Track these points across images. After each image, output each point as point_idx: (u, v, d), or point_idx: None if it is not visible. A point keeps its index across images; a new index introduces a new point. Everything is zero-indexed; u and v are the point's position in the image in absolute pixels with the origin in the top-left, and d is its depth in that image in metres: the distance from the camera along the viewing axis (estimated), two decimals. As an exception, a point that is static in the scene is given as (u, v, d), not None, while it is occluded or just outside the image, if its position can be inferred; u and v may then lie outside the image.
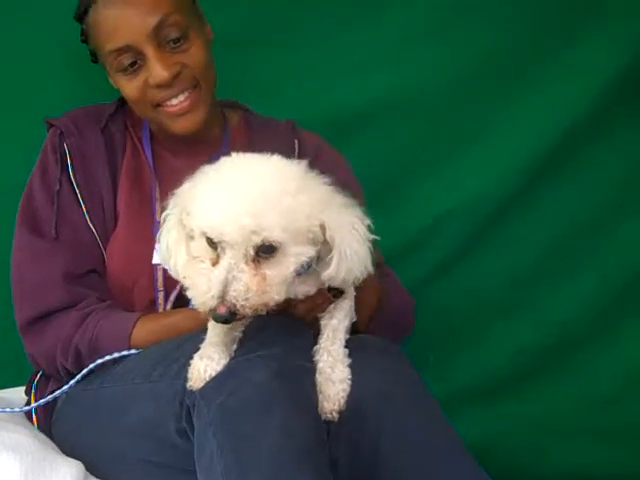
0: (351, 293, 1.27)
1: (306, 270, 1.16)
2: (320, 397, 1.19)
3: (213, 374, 1.16)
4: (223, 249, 1.09)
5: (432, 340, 1.93)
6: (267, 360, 1.15)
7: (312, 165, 1.55)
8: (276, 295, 1.11)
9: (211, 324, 1.20)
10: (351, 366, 1.23)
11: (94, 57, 1.50)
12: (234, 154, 1.19)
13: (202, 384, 1.16)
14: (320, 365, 1.22)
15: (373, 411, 1.20)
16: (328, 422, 1.20)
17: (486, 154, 1.89)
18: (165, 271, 1.45)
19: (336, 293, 1.24)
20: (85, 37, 1.48)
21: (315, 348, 1.24)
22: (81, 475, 1.30)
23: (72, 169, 1.48)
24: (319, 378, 1.21)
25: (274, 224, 1.07)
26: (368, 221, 1.18)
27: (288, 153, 1.54)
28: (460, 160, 1.90)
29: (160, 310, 1.47)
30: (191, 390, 1.17)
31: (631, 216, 1.93)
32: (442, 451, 1.20)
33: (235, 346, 1.20)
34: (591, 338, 1.96)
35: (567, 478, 1.92)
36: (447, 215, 1.90)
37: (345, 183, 1.55)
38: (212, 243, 1.10)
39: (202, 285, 1.09)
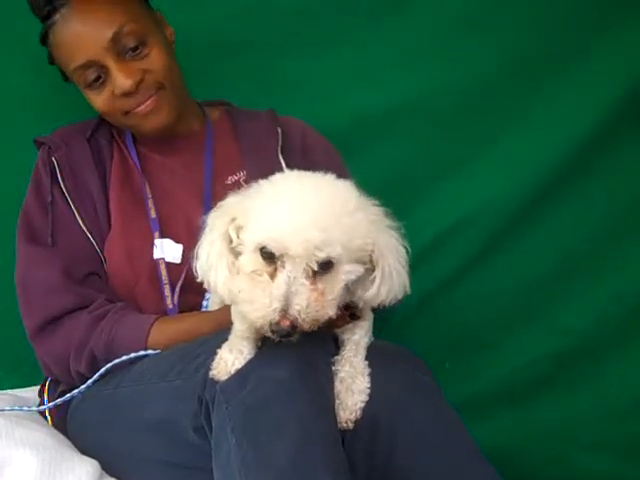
0: (370, 313, 1.28)
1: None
2: (338, 405, 1.19)
3: (239, 368, 1.16)
4: (283, 263, 1.10)
5: (448, 347, 1.93)
6: (290, 358, 1.15)
7: (299, 149, 1.60)
8: (330, 311, 1.12)
9: (239, 319, 1.20)
10: (370, 376, 1.23)
11: (64, 76, 1.54)
12: (287, 171, 1.21)
13: (226, 377, 1.16)
14: (341, 375, 1.22)
15: (388, 418, 1.20)
16: (343, 430, 1.20)
17: (501, 163, 1.89)
18: (168, 264, 1.49)
19: (352, 314, 1.25)
20: (52, 59, 1.52)
21: (336, 358, 1.24)
22: (97, 473, 1.31)
23: (62, 180, 1.51)
24: (339, 387, 1.21)
25: (336, 240, 1.08)
26: (406, 244, 1.20)
27: (272, 141, 1.59)
28: (475, 168, 1.89)
29: (168, 302, 1.48)
30: (211, 384, 1.17)
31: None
32: (458, 458, 1.20)
33: (260, 343, 1.20)
34: (606, 348, 1.95)
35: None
36: (462, 222, 1.90)
37: (334, 165, 1.58)
38: (268, 257, 1.11)
39: (263, 298, 1.09)
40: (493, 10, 1.83)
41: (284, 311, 1.07)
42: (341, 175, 1.24)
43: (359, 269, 1.14)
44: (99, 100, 1.49)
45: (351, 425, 1.19)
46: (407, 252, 1.19)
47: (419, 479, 1.19)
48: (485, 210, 1.90)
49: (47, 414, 1.52)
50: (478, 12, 1.84)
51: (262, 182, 1.19)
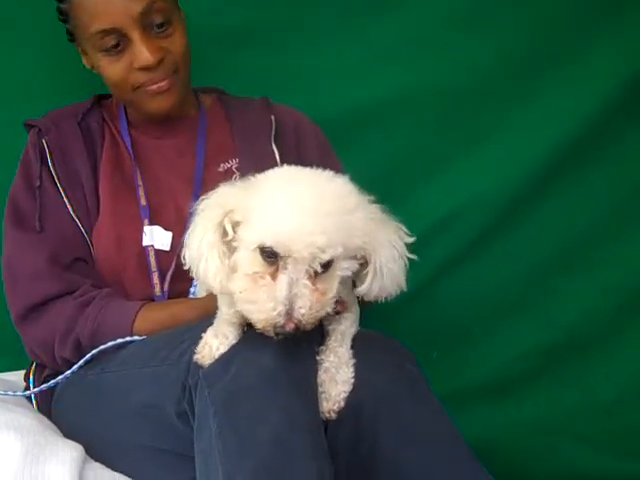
0: (356, 306, 1.28)
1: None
2: (321, 395, 1.20)
3: (223, 353, 1.16)
4: (285, 264, 1.09)
5: (437, 338, 1.94)
6: (274, 346, 1.14)
7: (292, 138, 1.60)
8: (329, 309, 1.13)
9: (226, 303, 1.20)
10: (355, 365, 1.23)
11: (71, 37, 1.52)
12: (285, 167, 1.19)
13: (210, 361, 1.16)
14: (326, 365, 1.22)
15: (371, 407, 1.20)
16: (326, 420, 1.20)
17: (496, 155, 1.89)
18: (157, 252, 1.49)
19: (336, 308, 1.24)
20: (65, 16, 1.49)
21: (321, 348, 1.24)
22: (81, 458, 1.30)
23: (52, 163, 1.50)
24: (323, 376, 1.21)
25: (338, 241, 1.09)
26: (410, 238, 1.19)
27: (265, 129, 1.59)
28: (467, 162, 1.89)
29: (157, 290, 1.48)
30: (195, 369, 1.17)
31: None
32: (441, 446, 1.20)
33: (245, 327, 1.20)
34: (593, 342, 1.95)
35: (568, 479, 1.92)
36: (455, 214, 1.90)
37: (326, 154, 1.60)
38: (268, 257, 1.10)
39: (266, 301, 1.08)
40: (489, 5, 1.83)
41: (289, 314, 1.07)
42: (333, 166, 1.23)
43: (354, 265, 1.15)
44: (113, 68, 1.46)
45: (334, 415, 1.19)
46: (408, 247, 1.19)
47: (402, 469, 1.19)
48: (475, 204, 1.90)
49: (32, 398, 1.52)
50: (474, 7, 1.84)
51: (259, 177, 1.18)
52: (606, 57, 1.83)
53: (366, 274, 1.17)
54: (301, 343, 1.18)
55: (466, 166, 1.89)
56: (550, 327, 1.95)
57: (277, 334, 1.09)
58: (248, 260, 1.12)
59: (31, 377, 1.54)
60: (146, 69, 1.45)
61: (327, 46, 1.83)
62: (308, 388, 1.17)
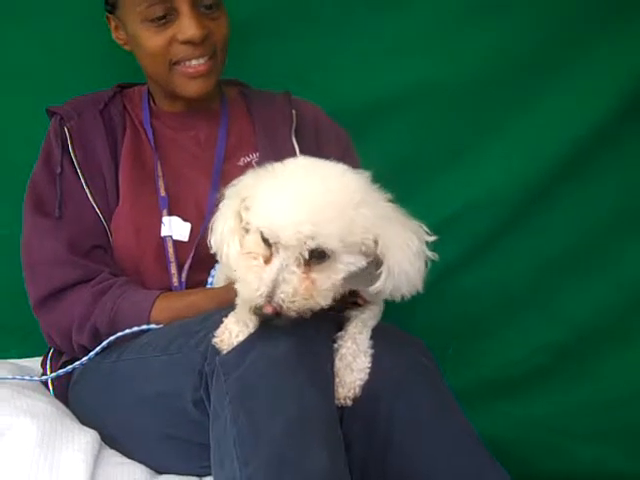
0: (382, 300, 1.29)
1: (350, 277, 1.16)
2: (336, 382, 1.20)
3: (241, 340, 1.17)
4: (277, 249, 1.11)
5: (448, 334, 1.94)
6: (288, 337, 1.15)
7: (312, 134, 1.60)
8: (322, 301, 1.13)
9: None
10: (372, 356, 1.23)
11: (111, 7, 1.52)
12: (301, 157, 1.21)
13: (227, 347, 1.17)
14: (343, 351, 1.23)
15: (387, 398, 1.21)
16: (341, 407, 1.21)
17: (505, 152, 1.89)
18: (175, 242, 1.50)
19: (354, 302, 1.26)
20: None
21: (340, 334, 1.25)
22: (96, 444, 1.31)
23: (73, 151, 1.51)
24: (339, 364, 1.22)
25: (332, 233, 1.09)
26: (431, 237, 1.19)
27: (286, 123, 1.59)
28: (479, 157, 1.89)
29: (174, 280, 1.49)
30: (212, 357, 1.18)
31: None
32: (454, 440, 1.21)
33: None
34: (605, 339, 1.95)
35: (580, 477, 1.92)
36: (468, 207, 1.90)
37: (345, 152, 1.60)
38: (266, 241, 1.12)
39: (252, 282, 1.11)
40: None
41: (269, 297, 1.09)
42: (351, 162, 1.24)
43: (361, 261, 1.15)
44: (156, 39, 1.46)
45: (349, 402, 1.20)
46: (429, 246, 1.18)
47: (416, 462, 1.19)
48: (487, 199, 1.90)
49: (49, 384, 1.53)
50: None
51: (275, 166, 1.20)
52: (612, 56, 1.82)
53: (379, 274, 1.17)
54: (318, 333, 1.19)
55: (479, 160, 1.89)
56: (561, 324, 1.95)
57: (259, 316, 1.11)
58: (252, 243, 1.15)
59: (48, 363, 1.56)
60: (190, 43, 1.45)
61: (342, 39, 1.83)
62: (324, 378, 1.18)
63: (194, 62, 1.48)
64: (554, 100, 1.85)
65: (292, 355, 1.14)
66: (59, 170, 1.50)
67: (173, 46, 1.47)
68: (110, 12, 1.54)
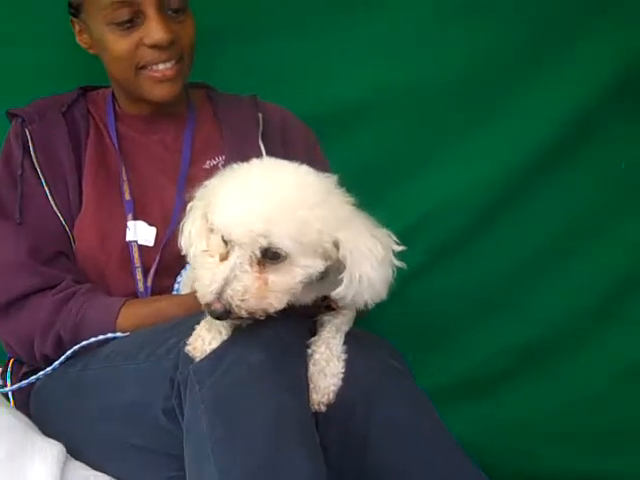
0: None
1: (314, 281, 1.15)
2: (310, 387, 1.19)
3: (214, 348, 1.16)
4: (233, 247, 1.11)
5: (416, 336, 1.93)
6: (264, 342, 1.14)
7: (279, 136, 1.60)
8: (276, 302, 1.11)
9: None
10: (347, 362, 1.23)
11: (75, 9, 1.50)
12: (266, 158, 1.22)
13: (200, 355, 1.16)
14: (316, 357, 1.22)
15: (362, 404, 1.20)
16: (315, 413, 1.20)
17: (475, 152, 1.89)
18: (140, 247, 1.48)
19: (328, 305, 1.24)
20: None
21: (314, 339, 1.24)
22: (62, 456, 1.28)
23: (35, 154, 1.48)
24: (312, 369, 1.21)
25: (284, 233, 1.08)
26: (398, 247, 1.18)
27: (253, 127, 1.58)
28: (448, 157, 1.90)
29: (140, 286, 1.47)
30: (184, 364, 1.16)
31: (625, 218, 1.94)
32: (432, 442, 1.21)
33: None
34: (572, 341, 1.97)
35: (548, 478, 1.93)
36: (435, 211, 1.90)
37: (313, 154, 1.60)
38: (224, 240, 1.12)
39: (205, 279, 1.11)
40: (475, 2, 1.84)
41: (219, 294, 1.09)
42: (318, 164, 1.24)
43: (319, 264, 1.13)
44: (122, 43, 1.44)
45: (323, 408, 1.19)
46: (395, 255, 1.17)
47: (394, 466, 1.19)
48: (455, 203, 1.90)
49: (9, 395, 1.49)
50: (460, 5, 1.84)
51: (239, 165, 1.20)
52: (593, 53, 1.84)
53: (342, 278, 1.15)
54: (292, 338, 1.18)
55: (446, 165, 1.90)
56: (530, 325, 1.96)
57: (210, 313, 1.10)
58: (214, 243, 1.15)
59: (8, 373, 1.51)
60: (157, 47, 1.44)
61: (314, 43, 1.83)
62: (299, 383, 1.17)
63: (161, 66, 1.47)
64: (520, 105, 1.87)
65: (267, 361, 1.13)
66: (20, 172, 1.46)
67: (140, 50, 1.45)
68: (74, 15, 1.51)
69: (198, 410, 1.11)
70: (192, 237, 1.20)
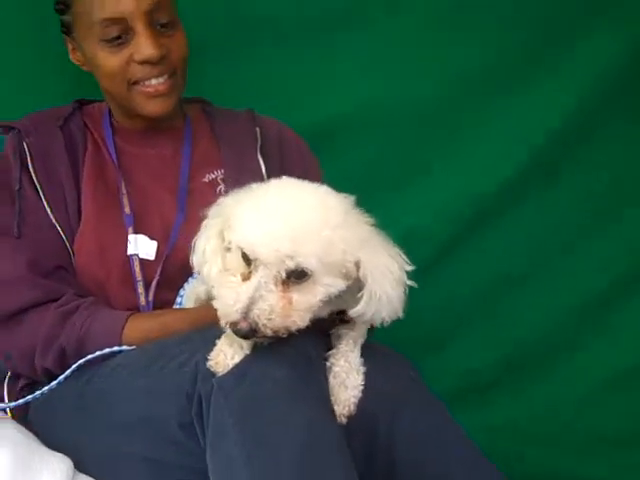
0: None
1: (332, 298, 1.17)
2: (331, 400, 1.20)
3: (237, 362, 1.16)
4: (257, 267, 1.11)
5: (399, 347, 1.96)
6: (288, 357, 1.15)
7: (276, 150, 1.61)
8: (299, 321, 1.12)
9: None
10: (365, 374, 1.24)
11: (67, 28, 1.50)
12: (284, 178, 1.20)
13: (222, 370, 1.15)
14: (336, 369, 1.23)
15: (384, 415, 1.22)
16: None
17: (460, 167, 1.93)
18: (141, 261, 1.47)
19: (342, 319, 1.26)
20: (65, 5, 1.48)
21: (332, 352, 1.25)
22: (70, 471, 1.28)
23: (33, 167, 1.47)
24: (332, 382, 1.22)
25: (310, 253, 1.09)
26: (409, 267, 1.19)
27: (251, 142, 1.60)
28: (433, 172, 1.94)
29: (142, 300, 1.46)
30: (205, 379, 1.16)
31: (612, 227, 1.99)
32: (457, 451, 1.24)
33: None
34: (562, 346, 2.02)
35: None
36: (422, 223, 1.94)
37: (308, 168, 1.60)
38: (247, 259, 1.12)
39: (229, 298, 1.11)
40: (466, 16, 1.87)
41: (245, 313, 1.09)
42: (315, 177, 1.25)
43: (340, 283, 1.15)
44: (113, 60, 1.45)
45: (344, 420, 1.20)
46: (407, 274, 1.18)
47: (421, 469, 1.21)
48: (442, 213, 1.94)
49: (7, 410, 1.47)
50: (452, 16, 1.88)
51: (254, 187, 1.20)
52: (593, 53, 1.88)
53: (361, 296, 1.17)
54: (313, 353, 1.19)
55: (429, 179, 1.94)
56: (517, 333, 2.00)
57: (235, 332, 1.10)
58: (232, 261, 1.15)
59: (5, 387, 1.50)
60: (147, 63, 1.44)
61: (308, 56, 1.85)
62: (324, 397, 1.18)
63: (153, 81, 1.47)
64: (507, 118, 1.91)
65: (292, 375, 1.14)
66: (18, 187, 1.45)
67: (131, 66, 1.45)
68: (66, 34, 1.51)
69: (226, 424, 1.11)
70: (207, 255, 1.20)
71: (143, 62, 1.44)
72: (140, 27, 1.43)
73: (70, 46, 1.53)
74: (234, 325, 1.09)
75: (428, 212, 1.95)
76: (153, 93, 1.48)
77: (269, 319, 1.09)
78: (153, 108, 1.49)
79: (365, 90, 1.88)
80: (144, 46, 1.43)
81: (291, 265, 1.09)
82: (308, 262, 1.10)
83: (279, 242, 1.09)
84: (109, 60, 1.45)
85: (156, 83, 1.47)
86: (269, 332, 1.10)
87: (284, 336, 1.13)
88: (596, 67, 1.88)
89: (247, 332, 1.09)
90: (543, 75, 1.90)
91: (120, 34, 1.43)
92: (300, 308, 1.12)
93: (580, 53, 1.88)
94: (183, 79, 1.53)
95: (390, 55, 1.88)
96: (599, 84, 1.89)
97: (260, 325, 1.09)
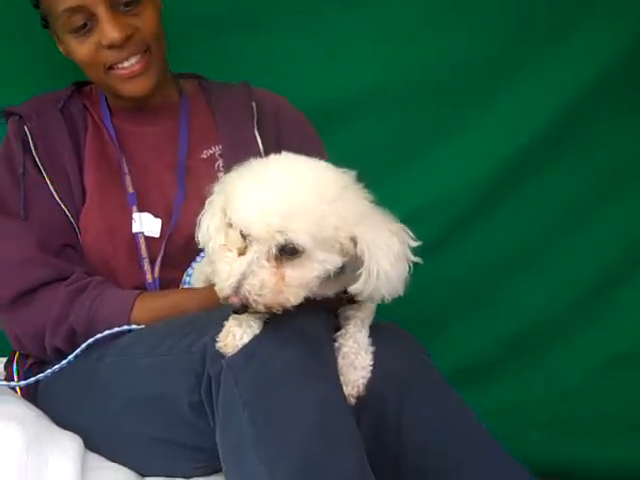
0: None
1: (331, 276, 1.16)
2: (340, 381, 1.21)
3: (246, 342, 1.16)
4: (251, 242, 1.11)
5: (405, 327, 1.97)
6: (297, 336, 1.16)
7: (273, 124, 1.61)
8: (292, 297, 1.12)
9: None
10: (375, 353, 1.25)
11: (45, 22, 1.51)
12: (284, 153, 1.19)
13: (232, 350, 1.16)
14: (345, 350, 1.24)
15: (393, 396, 1.23)
16: None
17: (461, 150, 1.93)
18: (147, 238, 1.48)
19: (350, 298, 1.25)
20: (37, 0, 1.48)
21: (340, 332, 1.25)
22: (81, 448, 1.29)
23: (35, 150, 1.48)
24: (341, 362, 1.22)
25: (301, 228, 1.09)
26: (414, 242, 1.18)
27: (247, 116, 1.59)
28: (434, 156, 1.94)
29: (148, 277, 1.47)
30: (214, 358, 1.16)
31: (611, 211, 2.00)
32: (465, 431, 1.23)
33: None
34: (561, 330, 2.03)
35: (536, 464, 1.98)
36: (426, 204, 1.94)
37: (308, 138, 1.61)
38: (243, 235, 1.12)
39: (223, 273, 1.11)
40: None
41: (236, 288, 1.09)
42: (313, 150, 1.25)
43: (336, 259, 1.14)
44: (82, 49, 1.45)
45: (353, 400, 1.21)
46: (413, 251, 1.17)
47: (430, 458, 1.21)
48: (447, 196, 1.94)
49: (16, 388, 1.48)
50: (449, 1, 1.87)
51: (253, 162, 1.20)
52: (589, 45, 1.88)
53: (361, 273, 1.16)
54: (321, 332, 1.20)
55: (432, 162, 1.94)
56: (518, 317, 2.01)
57: (230, 308, 1.11)
58: (232, 237, 1.15)
59: (14, 365, 1.51)
60: (113, 46, 1.44)
61: (311, 31, 1.84)
62: (335, 375, 1.18)
63: (126, 63, 1.47)
64: (506, 103, 1.91)
65: (302, 354, 1.14)
66: (21, 170, 1.46)
67: (100, 52, 1.45)
68: (45, 27, 1.52)
69: (236, 404, 1.12)
70: (211, 231, 1.20)
71: (110, 46, 1.44)
72: (101, 11, 1.42)
73: (55, 37, 1.52)
74: (226, 299, 1.10)
75: (430, 194, 1.95)
76: (129, 74, 1.47)
77: (259, 294, 1.09)
78: (134, 89, 1.49)
79: (367, 72, 1.87)
80: (107, 30, 1.42)
81: (281, 240, 1.09)
82: (298, 237, 1.09)
83: (270, 217, 1.08)
84: (80, 49, 1.46)
85: (129, 65, 1.47)
86: (261, 307, 1.10)
87: (279, 312, 1.12)
88: (597, 52, 1.88)
89: (238, 307, 1.10)
90: (545, 59, 1.90)
91: (85, 22, 1.43)
92: (293, 284, 1.11)
93: (581, 38, 1.87)
94: (160, 54, 1.52)
95: (392, 37, 1.87)
96: (600, 69, 1.89)
97: (251, 300, 1.09)
